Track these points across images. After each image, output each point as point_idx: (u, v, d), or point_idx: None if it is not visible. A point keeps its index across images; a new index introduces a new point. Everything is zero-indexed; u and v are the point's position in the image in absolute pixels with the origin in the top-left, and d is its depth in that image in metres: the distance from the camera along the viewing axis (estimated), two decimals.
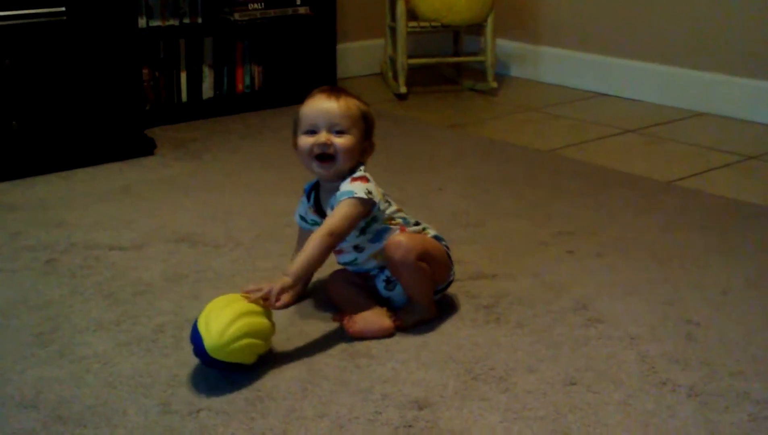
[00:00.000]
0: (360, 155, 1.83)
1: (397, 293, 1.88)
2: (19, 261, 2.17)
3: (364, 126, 1.83)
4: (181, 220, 2.44)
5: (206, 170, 2.89)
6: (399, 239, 1.79)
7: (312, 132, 1.79)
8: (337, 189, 1.79)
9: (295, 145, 1.84)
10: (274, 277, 2.03)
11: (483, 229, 2.40)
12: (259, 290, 1.68)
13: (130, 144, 2.99)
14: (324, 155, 1.78)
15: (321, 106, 1.79)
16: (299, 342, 1.79)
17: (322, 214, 1.85)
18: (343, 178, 1.80)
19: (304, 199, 1.91)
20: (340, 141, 1.78)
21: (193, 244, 2.28)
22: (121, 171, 2.86)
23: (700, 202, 2.61)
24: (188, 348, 1.75)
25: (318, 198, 1.87)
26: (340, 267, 1.95)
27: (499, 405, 1.58)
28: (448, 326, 1.86)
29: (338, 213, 1.75)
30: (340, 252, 1.88)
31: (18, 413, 1.55)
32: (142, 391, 1.61)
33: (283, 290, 1.70)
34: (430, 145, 3.19)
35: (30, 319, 1.88)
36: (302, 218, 1.93)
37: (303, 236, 1.93)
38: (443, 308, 1.91)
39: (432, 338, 1.81)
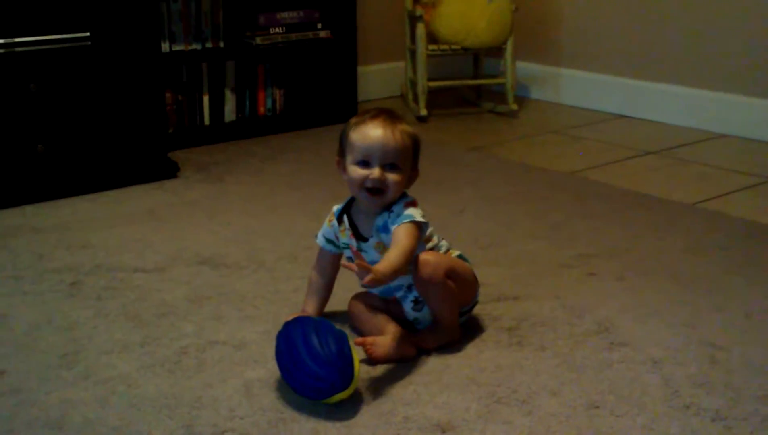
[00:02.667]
0: (406, 184, 1.84)
1: (424, 314, 1.88)
2: (45, 283, 2.20)
3: (414, 156, 1.83)
4: (203, 242, 2.46)
5: (228, 193, 2.91)
6: (427, 257, 1.80)
7: (365, 163, 1.78)
8: (391, 212, 1.80)
9: (341, 165, 1.84)
10: (298, 304, 2.04)
11: (504, 251, 2.40)
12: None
13: (153, 167, 3.02)
14: (375, 190, 1.78)
15: (376, 138, 1.76)
16: None
17: (360, 237, 1.85)
18: (387, 207, 1.81)
19: (335, 222, 1.89)
20: (392, 177, 1.77)
21: (216, 266, 2.30)
22: (145, 194, 2.89)
23: (722, 223, 2.60)
24: (211, 370, 1.76)
25: (352, 221, 1.87)
26: (361, 291, 1.96)
27: (522, 428, 1.57)
28: (470, 348, 1.86)
29: (408, 233, 1.75)
30: None
31: None
32: (166, 413, 1.62)
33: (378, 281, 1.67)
34: (451, 167, 3.19)
35: (55, 341, 1.90)
36: (330, 242, 1.92)
37: (323, 258, 1.94)
38: (465, 330, 1.91)
39: (454, 361, 1.81)
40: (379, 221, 1.81)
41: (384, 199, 1.79)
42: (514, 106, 3.91)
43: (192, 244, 2.45)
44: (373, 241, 1.83)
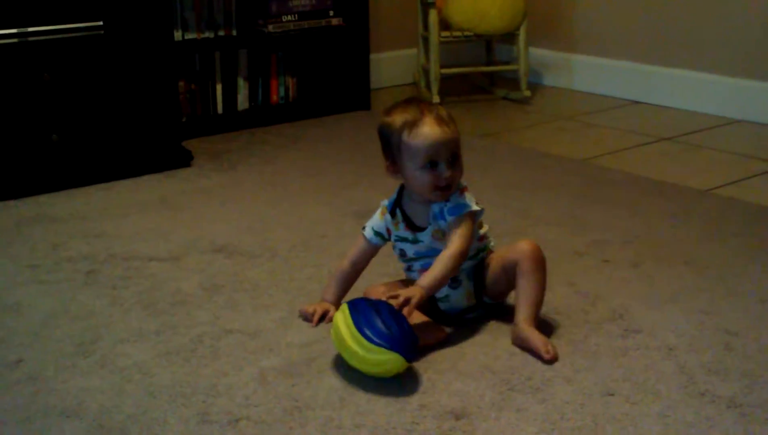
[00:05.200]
0: None
1: (457, 293, 1.89)
2: (61, 272, 2.21)
3: None
4: (217, 231, 2.47)
5: (242, 181, 2.92)
6: (526, 241, 1.87)
7: (434, 164, 1.80)
8: (447, 201, 1.82)
9: (391, 170, 1.85)
10: (312, 292, 2.05)
11: (518, 239, 2.39)
12: (396, 297, 1.72)
13: (167, 156, 3.03)
14: (447, 186, 1.82)
15: (437, 137, 1.79)
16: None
17: (415, 228, 1.87)
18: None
19: (388, 215, 1.90)
20: (457, 168, 1.82)
21: (230, 254, 2.31)
22: (158, 182, 2.90)
23: (737, 210, 2.59)
24: (226, 358, 1.77)
25: (405, 213, 1.88)
26: (376, 282, 1.96)
27: (537, 416, 1.57)
28: (484, 336, 1.86)
29: (462, 232, 1.80)
30: (416, 260, 1.89)
31: (61, 423, 1.57)
32: (181, 401, 1.63)
33: (420, 301, 1.73)
34: (464, 154, 3.17)
35: (71, 330, 1.91)
36: (378, 234, 1.92)
37: (360, 250, 1.94)
38: (477, 318, 1.92)
39: (468, 348, 1.81)
40: (435, 208, 1.83)
41: (452, 191, 1.83)
42: (527, 93, 3.90)
43: (206, 232, 2.46)
44: (430, 229, 1.85)
